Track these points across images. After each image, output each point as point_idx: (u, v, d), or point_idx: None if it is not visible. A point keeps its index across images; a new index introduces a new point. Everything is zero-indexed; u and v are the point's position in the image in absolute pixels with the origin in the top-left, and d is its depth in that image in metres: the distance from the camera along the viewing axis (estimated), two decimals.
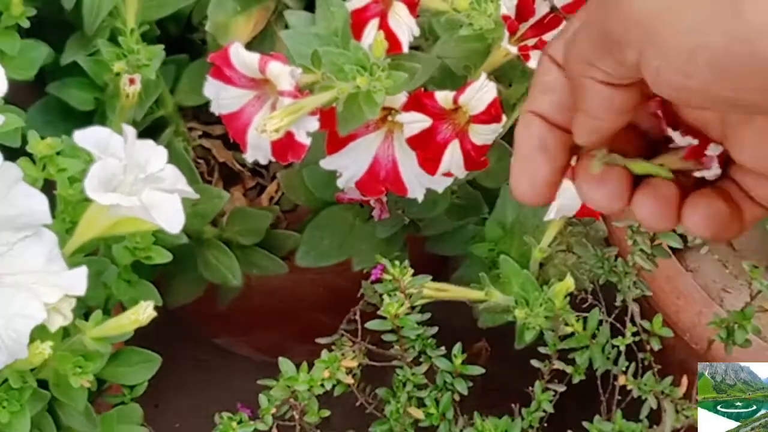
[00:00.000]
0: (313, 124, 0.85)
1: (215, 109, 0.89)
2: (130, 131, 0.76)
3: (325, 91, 0.84)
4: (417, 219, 1.00)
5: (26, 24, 0.97)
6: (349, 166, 0.92)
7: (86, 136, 0.76)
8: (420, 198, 0.91)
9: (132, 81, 0.95)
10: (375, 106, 0.84)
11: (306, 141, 0.85)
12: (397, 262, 0.89)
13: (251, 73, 0.86)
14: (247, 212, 1.06)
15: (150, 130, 1.03)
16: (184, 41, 1.07)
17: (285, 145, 0.85)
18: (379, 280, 0.89)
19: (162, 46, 0.98)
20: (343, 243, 1.03)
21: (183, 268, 1.05)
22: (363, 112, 0.85)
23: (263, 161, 0.89)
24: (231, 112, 0.88)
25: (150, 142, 0.78)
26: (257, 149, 0.88)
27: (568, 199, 0.88)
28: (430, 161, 0.88)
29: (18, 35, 0.98)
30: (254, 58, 0.85)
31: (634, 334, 0.87)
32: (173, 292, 1.07)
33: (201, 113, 1.12)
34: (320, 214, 1.04)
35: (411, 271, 0.89)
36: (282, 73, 0.84)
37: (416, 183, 0.91)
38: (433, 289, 0.91)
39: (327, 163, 0.92)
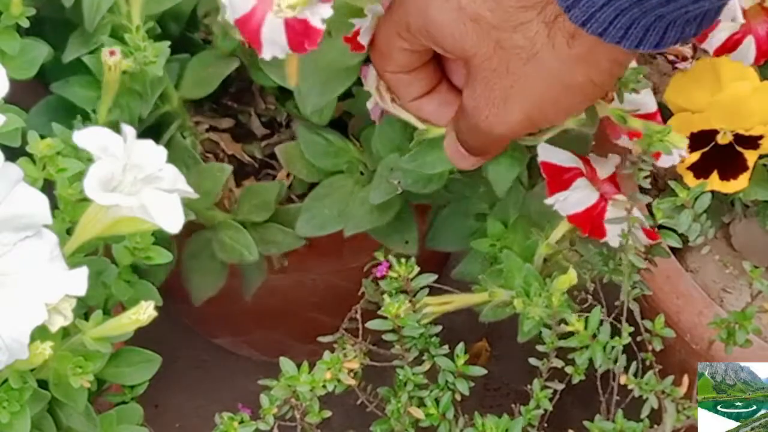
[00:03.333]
0: (327, 10, 0.85)
1: (230, 16, 0.89)
2: (130, 131, 0.77)
3: None
4: (413, 192, 1.00)
5: (26, 23, 0.97)
6: None
7: (86, 136, 0.76)
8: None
9: (112, 53, 0.94)
10: None
11: (321, 26, 0.85)
12: (403, 260, 0.89)
13: None
14: (255, 188, 1.06)
15: (156, 127, 1.03)
16: (184, 40, 1.07)
17: (300, 32, 0.85)
18: (383, 277, 0.89)
19: (168, 43, 0.98)
20: (343, 211, 1.03)
21: (201, 260, 1.05)
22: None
23: (281, 55, 0.88)
24: (244, 13, 0.88)
25: (149, 142, 0.78)
26: (273, 44, 0.88)
27: (573, 198, 0.89)
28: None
29: (18, 35, 0.98)
30: None
31: (633, 334, 0.87)
32: (196, 286, 1.07)
33: (207, 107, 1.12)
34: (320, 184, 1.04)
35: (417, 269, 0.89)
36: None
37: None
38: (436, 304, 0.91)
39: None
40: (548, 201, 0.89)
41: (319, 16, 0.85)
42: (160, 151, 0.78)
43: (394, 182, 0.98)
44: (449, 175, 0.97)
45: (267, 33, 0.87)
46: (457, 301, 0.93)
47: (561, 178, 0.89)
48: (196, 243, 1.03)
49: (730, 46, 0.95)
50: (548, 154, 0.90)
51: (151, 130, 0.81)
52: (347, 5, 0.88)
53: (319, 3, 0.84)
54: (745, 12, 0.94)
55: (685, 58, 1.01)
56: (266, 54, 0.88)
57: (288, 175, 1.10)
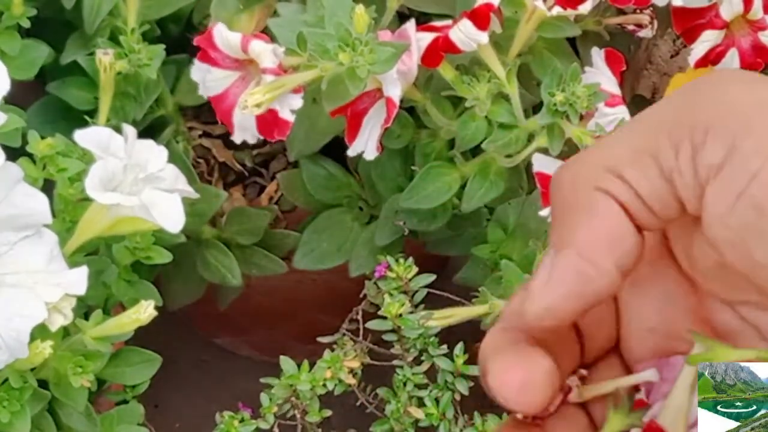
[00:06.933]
0: (297, 101, 0.85)
1: (203, 92, 0.90)
2: (131, 131, 0.77)
3: (308, 70, 0.84)
4: (416, 230, 1.00)
5: (27, 24, 0.97)
6: (369, 137, 0.92)
7: (87, 136, 0.76)
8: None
9: (106, 53, 0.95)
10: (359, 81, 0.84)
11: (290, 118, 0.85)
12: (401, 260, 0.89)
13: (235, 53, 0.87)
14: (245, 212, 1.06)
15: (150, 130, 1.03)
16: (184, 41, 1.06)
17: (269, 122, 0.86)
18: (382, 278, 0.89)
19: (163, 46, 0.98)
20: (342, 246, 1.03)
21: (182, 269, 1.05)
22: (347, 89, 0.85)
23: (251, 141, 0.89)
24: (217, 93, 0.89)
25: (150, 142, 0.78)
26: (243, 129, 0.88)
27: None
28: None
29: (18, 35, 0.98)
30: (237, 37, 0.86)
31: None
32: (173, 293, 1.07)
33: (201, 113, 1.12)
34: (319, 217, 1.04)
35: (415, 269, 0.89)
36: (264, 51, 0.84)
37: None
38: (440, 318, 0.91)
39: (354, 150, 0.92)
40: (542, 213, 0.89)
41: (289, 107, 0.85)
42: (160, 151, 0.78)
43: (399, 224, 0.98)
44: (452, 211, 0.98)
45: (238, 117, 0.87)
46: (459, 314, 0.93)
47: None
48: (179, 252, 1.03)
49: (712, 58, 0.95)
50: (543, 164, 0.90)
51: (145, 134, 0.81)
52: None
53: (289, 94, 0.84)
54: (727, 24, 0.93)
55: (642, 26, 1.00)
56: (237, 137, 0.88)
57: (276, 189, 1.10)
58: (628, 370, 0.42)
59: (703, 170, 0.37)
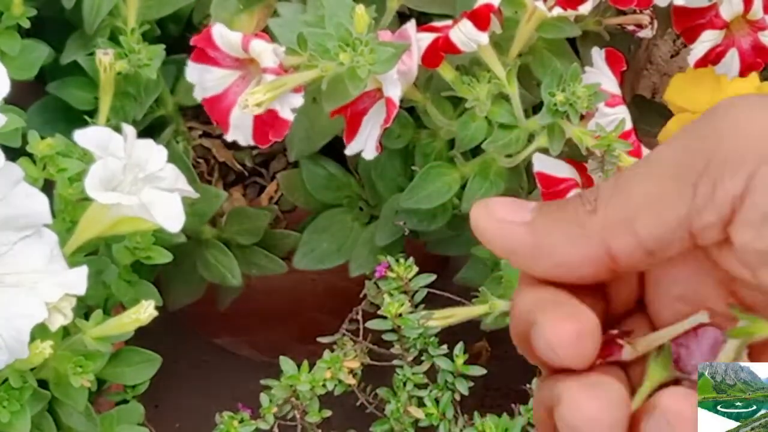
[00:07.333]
0: (297, 100, 0.85)
1: (198, 93, 0.89)
2: (130, 130, 0.77)
3: (309, 70, 0.84)
4: (417, 230, 1.00)
5: (27, 24, 0.97)
6: (369, 137, 0.92)
7: (86, 136, 0.76)
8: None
9: (106, 53, 0.95)
10: (359, 81, 0.84)
11: (290, 117, 0.85)
12: (401, 260, 0.89)
13: (235, 53, 0.87)
14: (245, 212, 1.06)
15: (150, 130, 1.03)
16: (184, 41, 1.07)
17: (267, 122, 0.86)
18: (382, 278, 0.89)
19: (163, 46, 0.98)
20: (342, 246, 1.03)
21: (182, 269, 1.05)
22: (347, 89, 0.85)
23: (243, 143, 0.89)
24: (215, 94, 0.89)
25: (150, 142, 0.78)
26: (238, 129, 0.88)
27: None
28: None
29: (18, 35, 0.98)
30: (237, 36, 0.86)
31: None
32: (173, 293, 1.07)
33: (201, 113, 1.12)
34: (319, 217, 1.04)
35: (415, 269, 0.89)
36: (265, 50, 0.84)
37: None
38: (440, 318, 0.91)
39: (351, 150, 0.92)
40: None
41: (289, 106, 0.84)
42: (160, 151, 0.78)
43: (399, 224, 0.98)
44: (452, 211, 0.98)
45: (235, 117, 0.87)
46: (460, 314, 0.93)
47: (556, 189, 0.89)
48: (179, 252, 1.03)
49: (712, 59, 0.95)
50: (544, 164, 0.90)
51: (145, 134, 0.81)
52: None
53: (290, 93, 0.84)
54: (727, 24, 0.93)
55: (642, 26, 1.00)
56: (230, 137, 0.88)
57: (276, 189, 1.10)
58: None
59: (726, 203, 0.38)
